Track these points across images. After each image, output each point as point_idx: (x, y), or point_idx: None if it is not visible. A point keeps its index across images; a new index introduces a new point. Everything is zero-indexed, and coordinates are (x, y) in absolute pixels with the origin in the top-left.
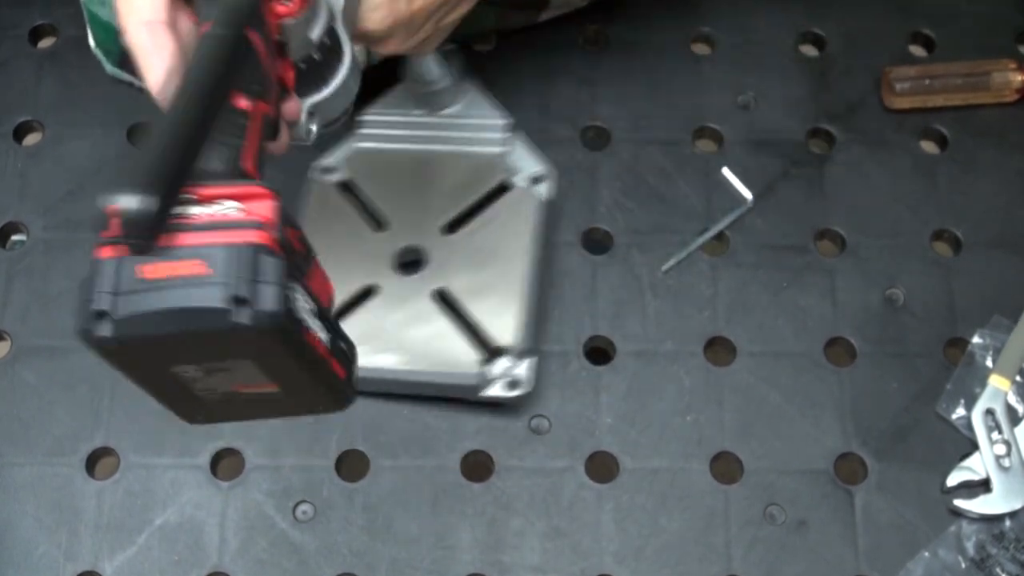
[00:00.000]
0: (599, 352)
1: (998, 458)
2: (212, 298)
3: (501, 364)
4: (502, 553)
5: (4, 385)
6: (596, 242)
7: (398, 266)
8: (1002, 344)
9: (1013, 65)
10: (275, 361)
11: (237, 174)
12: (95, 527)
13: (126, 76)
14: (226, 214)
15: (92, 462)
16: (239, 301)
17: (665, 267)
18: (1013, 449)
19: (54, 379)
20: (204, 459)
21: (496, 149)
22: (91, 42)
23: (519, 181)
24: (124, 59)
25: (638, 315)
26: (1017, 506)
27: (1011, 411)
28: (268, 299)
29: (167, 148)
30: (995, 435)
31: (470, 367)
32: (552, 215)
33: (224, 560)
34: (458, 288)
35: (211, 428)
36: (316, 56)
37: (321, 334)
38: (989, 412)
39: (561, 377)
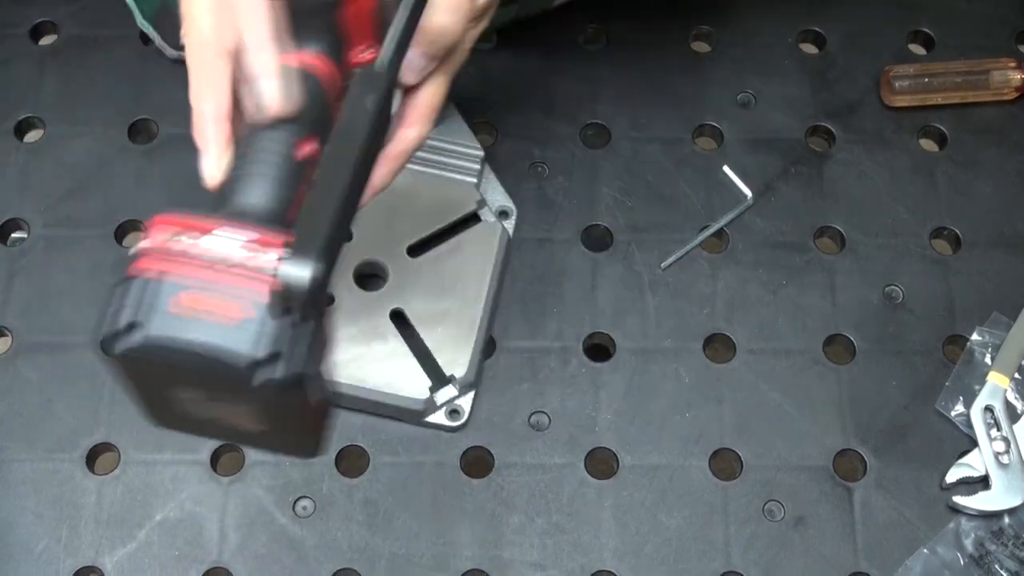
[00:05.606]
0: (599, 349)
1: (997, 455)
2: (239, 349)
3: (447, 392)
4: (502, 549)
5: (5, 381)
6: (596, 239)
7: (357, 279)
8: (1001, 341)
9: (1012, 64)
10: (281, 412)
11: (282, 222)
12: (95, 522)
13: (153, 34)
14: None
15: (92, 458)
16: (266, 359)
17: (665, 264)
18: (1012, 446)
19: (55, 375)
20: (204, 455)
21: (470, 179)
22: None
23: (487, 215)
24: (159, 19)
25: (638, 312)
26: (1016, 503)
27: (1010, 408)
28: (295, 363)
29: (333, 222)
30: (994, 432)
31: (419, 392)
32: (511, 253)
33: (224, 556)
34: (415, 312)
35: None
36: None
37: (324, 392)
38: (988, 409)
39: (561, 374)
